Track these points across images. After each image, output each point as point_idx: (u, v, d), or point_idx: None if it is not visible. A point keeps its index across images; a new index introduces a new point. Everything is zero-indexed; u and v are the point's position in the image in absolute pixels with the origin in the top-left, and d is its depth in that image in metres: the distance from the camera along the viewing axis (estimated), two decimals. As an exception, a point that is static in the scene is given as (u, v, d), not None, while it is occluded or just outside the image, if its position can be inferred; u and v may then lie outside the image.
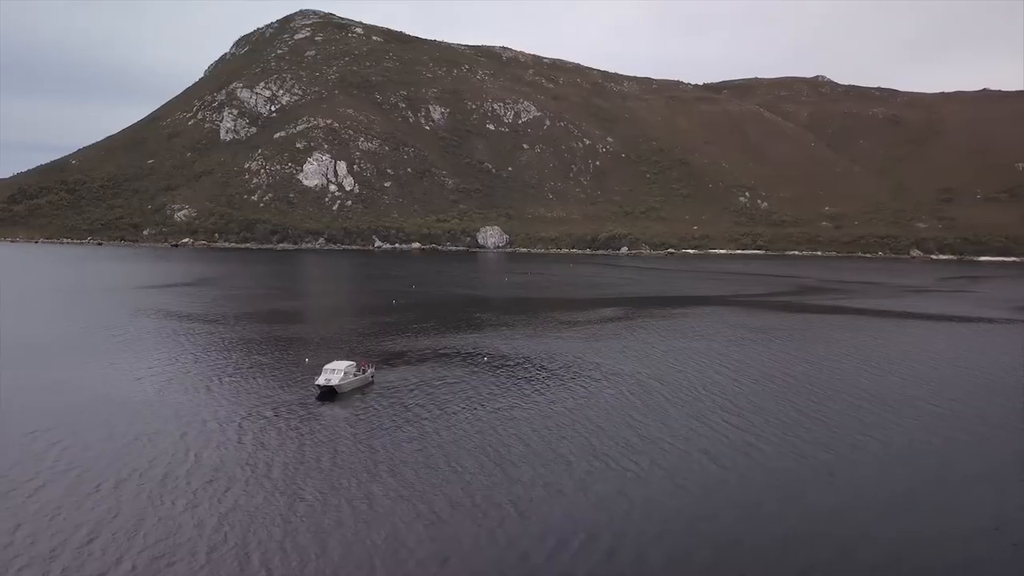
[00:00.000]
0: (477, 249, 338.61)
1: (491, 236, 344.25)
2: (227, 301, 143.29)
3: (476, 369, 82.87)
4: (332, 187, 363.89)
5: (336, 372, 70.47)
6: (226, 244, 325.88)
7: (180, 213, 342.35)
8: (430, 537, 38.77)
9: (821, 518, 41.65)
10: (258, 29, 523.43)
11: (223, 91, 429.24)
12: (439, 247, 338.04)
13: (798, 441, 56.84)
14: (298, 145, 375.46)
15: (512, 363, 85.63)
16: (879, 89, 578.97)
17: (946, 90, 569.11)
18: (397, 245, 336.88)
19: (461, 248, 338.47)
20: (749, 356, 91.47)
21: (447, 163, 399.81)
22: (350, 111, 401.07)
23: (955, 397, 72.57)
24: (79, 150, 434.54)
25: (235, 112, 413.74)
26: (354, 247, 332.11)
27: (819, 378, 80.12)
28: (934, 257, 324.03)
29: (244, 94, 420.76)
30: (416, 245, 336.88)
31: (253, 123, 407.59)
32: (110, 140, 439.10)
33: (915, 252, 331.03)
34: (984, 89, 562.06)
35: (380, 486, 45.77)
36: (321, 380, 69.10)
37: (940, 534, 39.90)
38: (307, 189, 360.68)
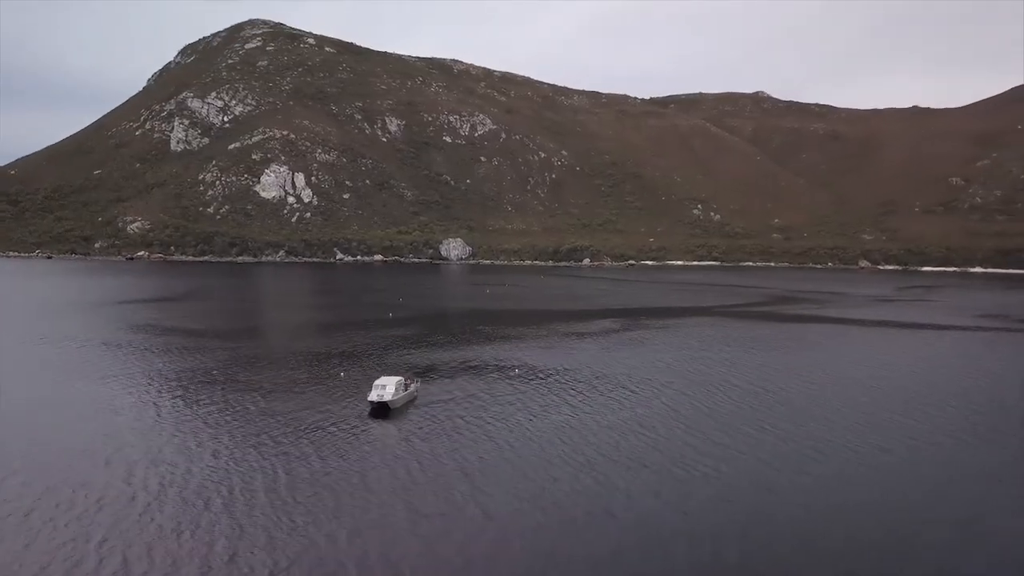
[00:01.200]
0: (440, 261, 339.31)
1: (454, 248, 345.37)
2: (225, 316, 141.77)
3: (513, 381, 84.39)
4: (291, 199, 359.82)
5: (388, 388, 70.25)
6: (183, 257, 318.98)
7: (133, 226, 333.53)
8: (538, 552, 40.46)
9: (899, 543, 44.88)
10: (204, 38, 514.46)
11: (172, 100, 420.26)
12: (401, 259, 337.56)
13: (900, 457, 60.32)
14: (254, 156, 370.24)
15: (544, 375, 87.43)
16: (818, 105, 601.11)
17: (878, 107, 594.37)
18: (359, 257, 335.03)
19: (424, 260, 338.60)
20: (780, 364, 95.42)
21: (405, 175, 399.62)
22: (306, 122, 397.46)
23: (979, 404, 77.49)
24: (16, 160, 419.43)
25: (186, 122, 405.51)
26: (315, 259, 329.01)
27: (867, 385, 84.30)
28: (880, 267, 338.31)
29: (195, 104, 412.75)
30: (378, 257, 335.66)
31: (205, 133, 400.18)
32: (51, 149, 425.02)
33: (863, 263, 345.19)
34: (914, 106, 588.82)
35: (463, 497, 46.84)
36: (373, 396, 68.83)
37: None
38: (265, 201, 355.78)
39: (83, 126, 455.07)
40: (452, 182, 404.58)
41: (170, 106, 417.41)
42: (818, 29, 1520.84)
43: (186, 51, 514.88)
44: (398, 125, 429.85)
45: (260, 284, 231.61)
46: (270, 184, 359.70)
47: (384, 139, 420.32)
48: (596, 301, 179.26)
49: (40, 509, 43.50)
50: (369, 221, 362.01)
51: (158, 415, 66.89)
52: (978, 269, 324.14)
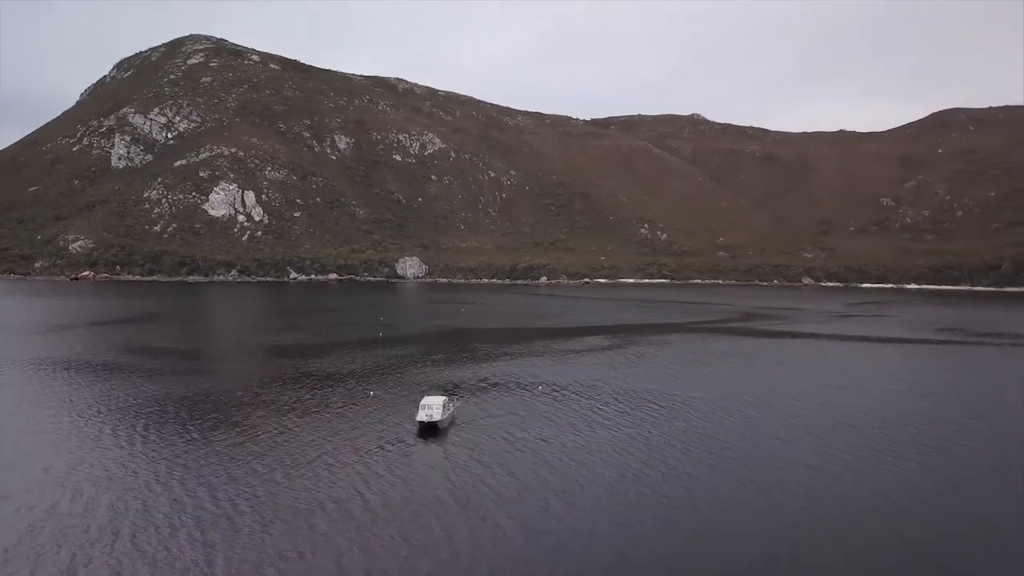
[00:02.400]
0: (396, 279, 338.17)
1: (410, 266, 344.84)
2: (213, 336, 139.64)
3: (541, 398, 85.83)
4: (241, 217, 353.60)
5: (436, 408, 70.20)
6: (130, 277, 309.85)
7: (76, 244, 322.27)
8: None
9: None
10: (141, 53, 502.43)
11: (112, 116, 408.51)
12: (356, 278, 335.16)
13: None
14: (202, 174, 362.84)
15: (568, 392, 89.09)
16: (752, 128, 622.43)
17: (808, 130, 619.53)
18: (313, 276, 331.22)
19: (380, 279, 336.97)
20: (789, 377, 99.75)
21: (356, 193, 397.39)
22: (254, 140, 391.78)
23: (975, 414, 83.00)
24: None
25: (128, 138, 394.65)
26: (268, 279, 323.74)
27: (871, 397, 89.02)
28: (823, 284, 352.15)
29: (137, 120, 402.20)
30: (333, 276, 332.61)
31: (149, 150, 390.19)
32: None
33: (807, 280, 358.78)
34: (841, 130, 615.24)
35: (543, 513, 48.42)
36: (422, 416, 68.75)
37: None
38: (214, 219, 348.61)
39: (11, 141, 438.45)
40: (404, 200, 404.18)
41: (109, 121, 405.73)
42: (747, 54, 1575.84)
43: (122, 66, 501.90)
44: (347, 143, 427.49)
45: (223, 304, 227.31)
46: (219, 202, 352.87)
47: (334, 157, 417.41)
48: (573, 319, 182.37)
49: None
50: (321, 239, 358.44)
51: (207, 445, 66.53)
52: (913, 286, 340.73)
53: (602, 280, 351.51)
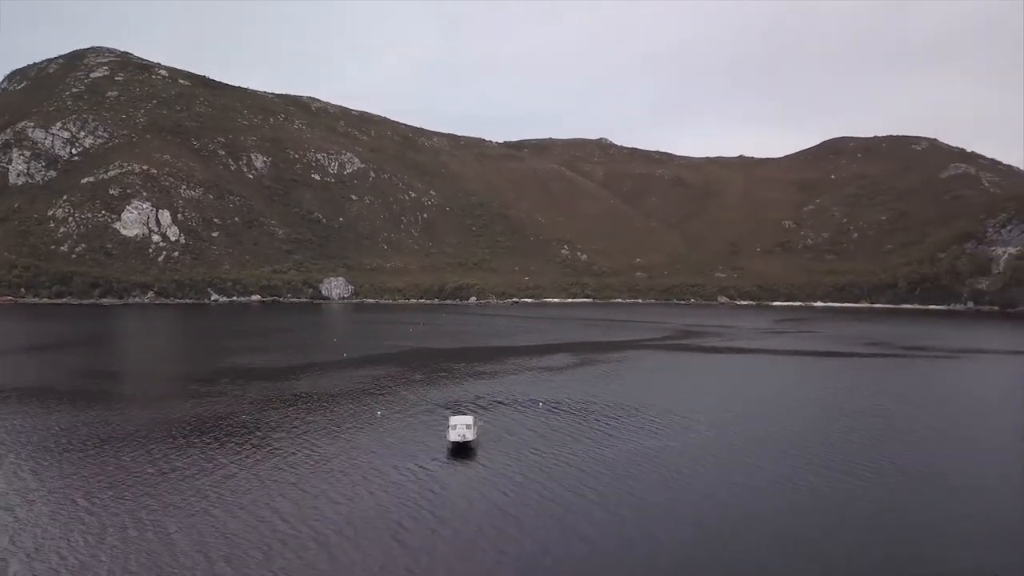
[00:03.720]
0: (321, 300, 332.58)
1: (336, 287, 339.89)
2: (181, 362, 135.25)
3: (549, 415, 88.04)
4: (155, 237, 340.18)
5: (468, 427, 70.99)
6: (36, 300, 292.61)
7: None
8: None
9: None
10: (36, 64, 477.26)
11: (9, 130, 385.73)
12: (280, 299, 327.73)
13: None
14: (112, 191, 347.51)
15: (568, 409, 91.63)
16: (659, 152, 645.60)
17: (710, 155, 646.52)
18: (236, 298, 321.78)
19: (304, 300, 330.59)
20: (758, 390, 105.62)
21: (275, 213, 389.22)
22: (167, 157, 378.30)
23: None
24: None
25: (27, 153, 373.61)
26: (188, 301, 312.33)
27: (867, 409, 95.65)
28: (737, 303, 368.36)
29: (37, 134, 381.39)
30: (256, 298, 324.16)
31: (51, 166, 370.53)
32: None
33: (722, 298, 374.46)
34: (741, 155, 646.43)
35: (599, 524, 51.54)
36: (455, 436, 69.30)
37: None
38: (127, 239, 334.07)
39: None
40: (324, 220, 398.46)
41: (6, 135, 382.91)
42: (646, 81, 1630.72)
43: (14, 78, 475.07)
44: (264, 162, 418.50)
45: (157, 327, 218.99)
46: (132, 221, 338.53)
47: (251, 176, 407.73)
48: (527, 337, 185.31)
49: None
50: (241, 260, 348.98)
51: (231, 468, 65.98)
52: (819, 303, 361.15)
53: (528, 300, 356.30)
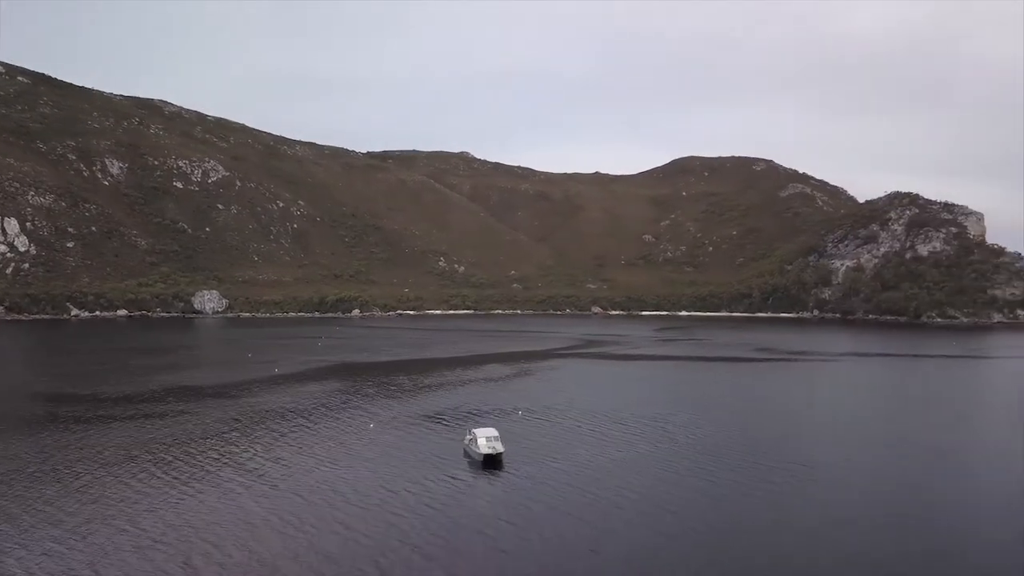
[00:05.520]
0: (194, 315, 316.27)
1: (209, 300, 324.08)
2: (116, 381, 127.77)
3: (533, 422, 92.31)
4: (2, 247, 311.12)
5: (496, 439, 72.59)
6: None
7: None
8: None
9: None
10: None
11: None
12: (149, 313, 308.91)
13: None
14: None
15: (549, 416, 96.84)
16: (521, 168, 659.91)
17: (568, 171, 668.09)
18: (99, 313, 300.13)
19: (175, 314, 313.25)
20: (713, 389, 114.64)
21: (136, 222, 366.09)
22: (11, 160, 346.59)
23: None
24: None
25: None
26: (44, 316, 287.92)
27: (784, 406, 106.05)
28: (611, 313, 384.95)
29: None
30: (123, 312, 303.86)
31: None
32: None
33: (596, 309, 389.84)
34: (597, 172, 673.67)
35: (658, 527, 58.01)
36: (487, 449, 70.65)
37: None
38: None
39: None
40: (190, 231, 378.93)
41: None
42: (502, 96, 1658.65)
43: None
44: (120, 168, 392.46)
45: (27, 345, 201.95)
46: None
47: (106, 183, 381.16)
48: (443, 349, 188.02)
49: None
50: (102, 272, 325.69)
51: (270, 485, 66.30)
52: (684, 313, 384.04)
53: (411, 312, 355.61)
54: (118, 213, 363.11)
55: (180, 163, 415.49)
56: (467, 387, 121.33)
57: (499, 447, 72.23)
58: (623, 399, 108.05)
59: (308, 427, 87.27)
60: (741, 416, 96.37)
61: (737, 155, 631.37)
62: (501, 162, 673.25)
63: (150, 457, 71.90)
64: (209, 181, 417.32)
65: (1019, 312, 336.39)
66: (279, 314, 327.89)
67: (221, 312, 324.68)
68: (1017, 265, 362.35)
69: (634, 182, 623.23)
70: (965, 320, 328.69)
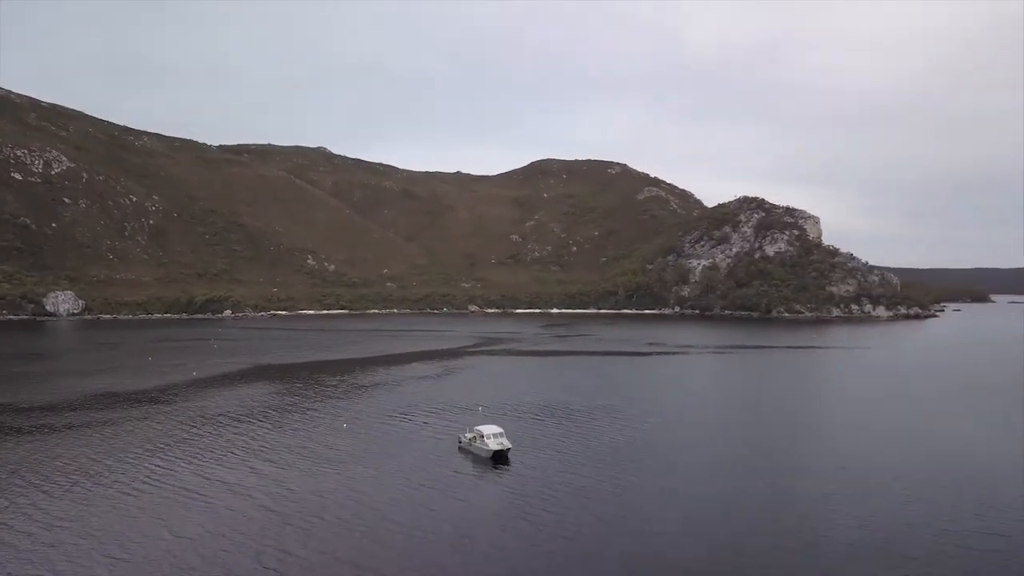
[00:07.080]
0: (46, 317, 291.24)
1: (63, 302, 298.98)
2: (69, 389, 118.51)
3: (505, 419, 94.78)
4: None
5: (503, 435, 74.22)
6: None
7: None
8: None
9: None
10: None
11: None
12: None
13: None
14: None
15: (528, 412, 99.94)
16: (382, 164, 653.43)
17: (429, 169, 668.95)
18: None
19: (25, 316, 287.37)
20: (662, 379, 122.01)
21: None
22: None
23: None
24: None
25: None
26: None
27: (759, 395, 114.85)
28: (487, 311, 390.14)
29: None
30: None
31: None
32: None
33: (473, 307, 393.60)
34: (458, 172, 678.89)
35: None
36: (495, 445, 72.14)
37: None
38: None
39: None
40: (34, 226, 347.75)
41: None
42: (355, 90, 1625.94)
43: None
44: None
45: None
46: None
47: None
48: (351, 350, 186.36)
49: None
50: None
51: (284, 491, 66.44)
52: (555, 310, 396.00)
53: (283, 312, 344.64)
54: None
55: (19, 152, 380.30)
56: (407, 385, 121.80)
57: (507, 443, 73.88)
58: (571, 393, 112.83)
59: (274, 429, 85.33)
60: (677, 405, 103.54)
61: (593, 158, 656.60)
62: (362, 159, 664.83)
63: (127, 468, 68.55)
64: (53, 172, 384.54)
65: (853, 307, 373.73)
66: (143, 316, 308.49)
67: (77, 314, 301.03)
68: (849, 264, 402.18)
69: (496, 183, 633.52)
70: (809, 315, 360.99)
